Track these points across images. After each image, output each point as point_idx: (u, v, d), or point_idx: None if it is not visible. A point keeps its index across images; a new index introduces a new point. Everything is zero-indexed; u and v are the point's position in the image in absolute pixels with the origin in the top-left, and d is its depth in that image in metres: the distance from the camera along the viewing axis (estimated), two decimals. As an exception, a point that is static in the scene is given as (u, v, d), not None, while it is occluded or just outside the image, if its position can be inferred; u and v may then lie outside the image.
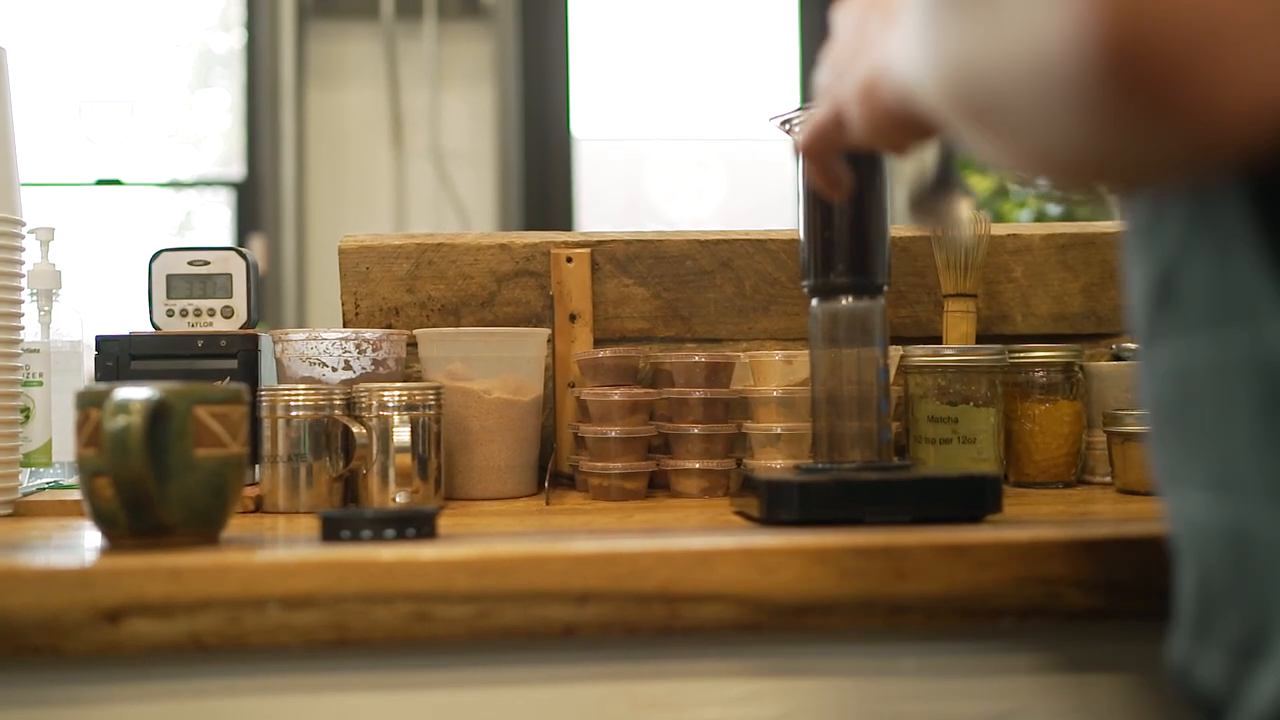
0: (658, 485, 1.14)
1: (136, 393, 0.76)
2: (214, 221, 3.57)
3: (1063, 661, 0.76)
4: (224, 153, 3.57)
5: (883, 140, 0.66)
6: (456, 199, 3.36)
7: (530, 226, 3.25)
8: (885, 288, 0.92)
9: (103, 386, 0.78)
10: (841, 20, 0.70)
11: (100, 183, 3.44)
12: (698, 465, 1.11)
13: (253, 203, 3.39)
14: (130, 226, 3.51)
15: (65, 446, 1.21)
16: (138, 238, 3.48)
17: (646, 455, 1.12)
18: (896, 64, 0.56)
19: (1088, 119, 0.35)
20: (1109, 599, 0.73)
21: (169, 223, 3.60)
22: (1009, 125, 0.40)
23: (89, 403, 0.79)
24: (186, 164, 3.58)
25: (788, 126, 0.96)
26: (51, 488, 1.15)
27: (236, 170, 3.48)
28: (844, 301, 0.91)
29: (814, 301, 0.92)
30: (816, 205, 0.92)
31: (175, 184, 3.55)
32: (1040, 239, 1.24)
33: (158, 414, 0.77)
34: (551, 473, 1.16)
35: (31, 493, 1.09)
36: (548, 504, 1.07)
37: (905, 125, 0.63)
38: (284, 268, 3.25)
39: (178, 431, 0.78)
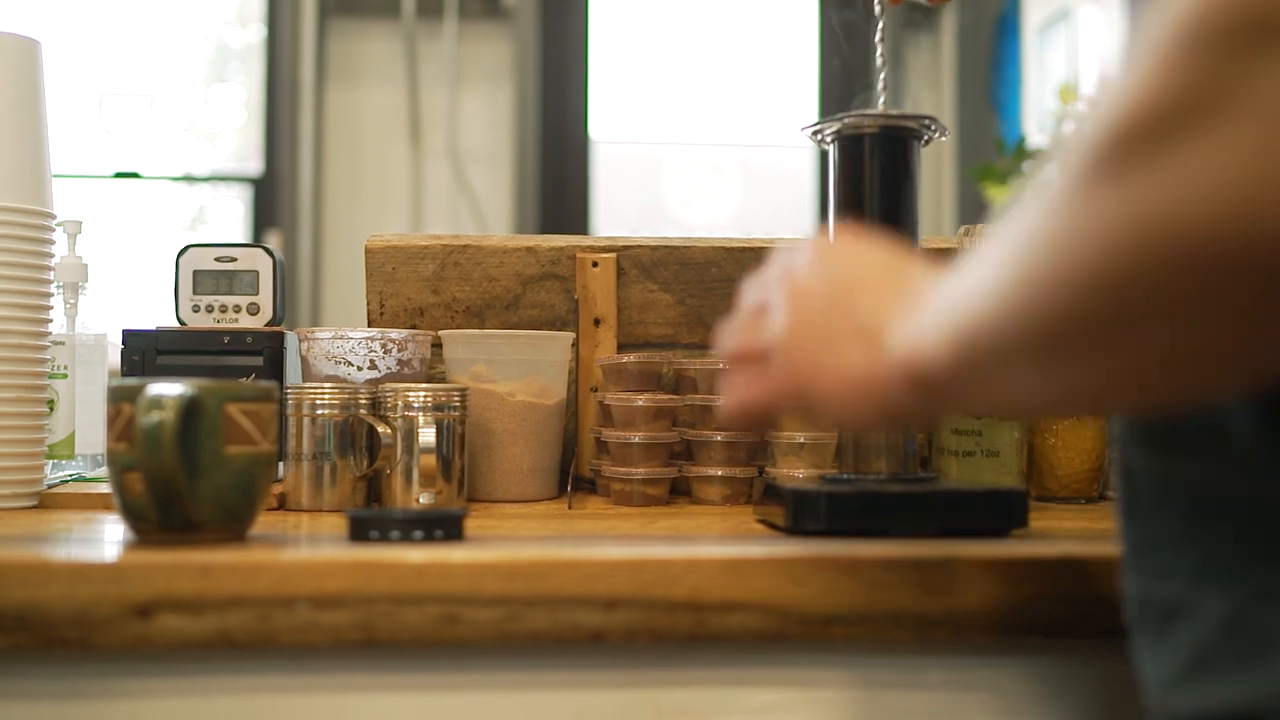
0: (679, 491, 1.14)
1: (170, 389, 0.76)
2: (228, 217, 3.58)
3: (1092, 679, 0.76)
4: (239, 148, 3.58)
5: (846, 423, 0.64)
6: (473, 199, 3.36)
7: (546, 228, 3.26)
8: (915, 300, 0.92)
9: (135, 381, 0.79)
10: (804, 274, 0.63)
11: (118, 176, 3.45)
12: (720, 472, 1.11)
13: (270, 199, 3.40)
14: (146, 220, 3.51)
15: (88, 439, 1.21)
16: (153, 231, 3.49)
17: (669, 461, 1.12)
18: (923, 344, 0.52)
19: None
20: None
21: (184, 218, 3.61)
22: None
23: (122, 397, 0.79)
24: (201, 159, 3.58)
25: (819, 136, 0.96)
26: (75, 480, 1.16)
27: (252, 166, 3.49)
28: (873, 312, 0.91)
29: (843, 312, 0.92)
30: (847, 213, 0.92)
31: (189, 178, 3.55)
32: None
33: (191, 411, 0.77)
34: (573, 477, 1.16)
35: (55, 485, 1.09)
36: (570, 508, 1.07)
37: (876, 419, 0.59)
38: (300, 265, 3.25)
39: (209, 428, 0.78)
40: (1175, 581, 0.53)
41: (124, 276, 3.26)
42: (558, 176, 3.40)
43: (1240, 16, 0.36)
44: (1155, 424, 0.54)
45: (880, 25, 0.95)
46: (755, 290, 0.67)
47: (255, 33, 3.55)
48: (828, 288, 0.61)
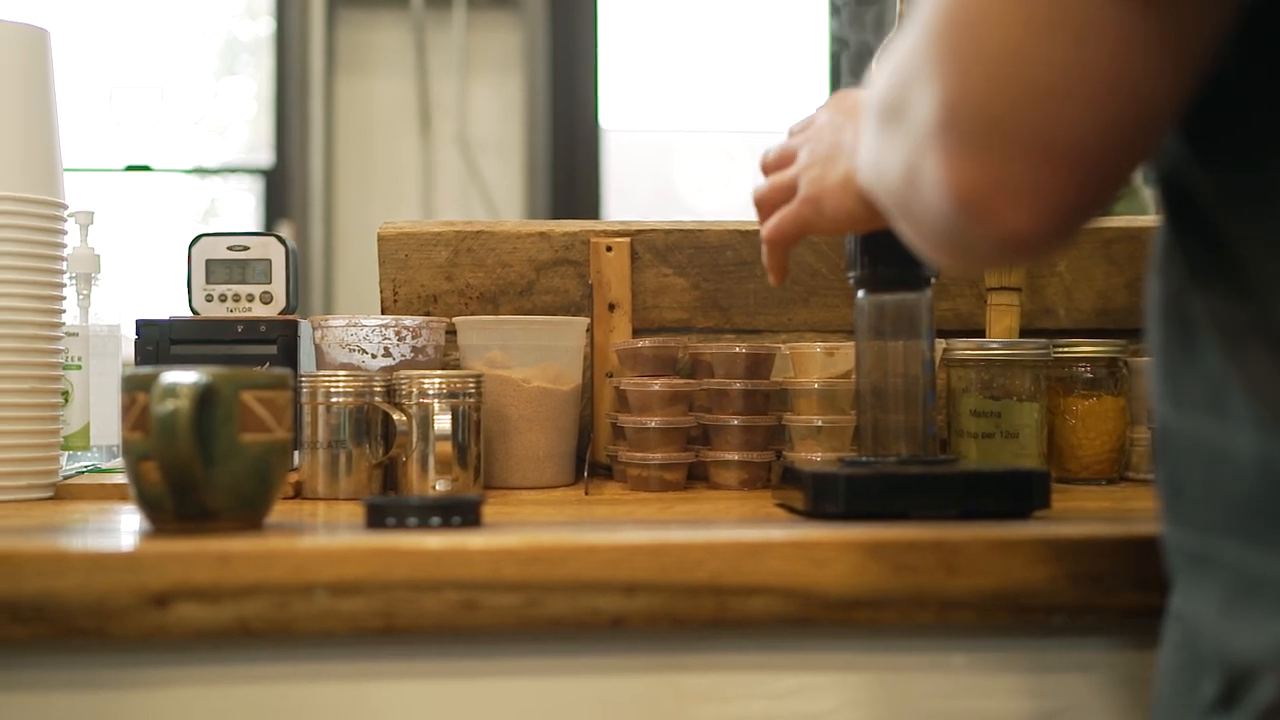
0: (696, 476, 1.13)
1: (184, 377, 0.76)
2: (240, 209, 3.58)
3: (1117, 660, 0.75)
4: (250, 140, 3.58)
5: (852, 227, 0.83)
6: (484, 188, 3.35)
7: (557, 216, 3.24)
8: (933, 280, 0.91)
9: (150, 370, 0.78)
10: (819, 116, 0.85)
11: (130, 169, 3.45)
12: (736, 457, 1.10)
13: (281, 190, 3.40)
14: (158, 213, 3.51)
15: (103, 431, 1.21)
16: (165, 224, 3.49)
17: (685, 446, 1.11)
18: (859, 168, 0.70)
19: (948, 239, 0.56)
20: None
21: (195, 211, 3.61)
22: (913, 229, 0.60)
23: (136, 386, 0.79)
24: (212, 151, 3.58)
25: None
26: (90, 471, 1.15)
27: (263, 158, 3.49)
28: (890, 294, 0.91)
29: (860, 293, 0.92)
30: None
31: (200, 171, 3.55)
32: (1085, 233, 1.22)
33: (205, 398, 0.76)
34: (589, 462, 1.16)
35: (70, 476, 1.09)
36: (586, 494, 1.07)
37: (866, 218, 0.77)
38: (312, 256, 3.25)
39: (224, 416, 0.78)
40: (1203, 532, 0.55)
41: (137, 270, 3.26)
42: (569, 165, 3.39)
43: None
44: (1178, 383, 0.57)
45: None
46: (782, 143, 0.88)
47: (264, 25, 3.54)
48: (832, 129, 0.82)
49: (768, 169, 0.89)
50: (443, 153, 3.38)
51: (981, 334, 1.18)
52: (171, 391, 0.75)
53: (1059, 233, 0.52)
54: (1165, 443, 0.59)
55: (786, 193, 0.85)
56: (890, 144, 0.58)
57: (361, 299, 3.15)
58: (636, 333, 1.22)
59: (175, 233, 3.40)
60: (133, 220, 3.42)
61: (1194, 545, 0.56)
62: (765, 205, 0.88)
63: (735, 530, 0.77)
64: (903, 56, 0.55)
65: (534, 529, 0.79)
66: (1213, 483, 0.54)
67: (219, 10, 3.61)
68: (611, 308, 1.21)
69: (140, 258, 3.31)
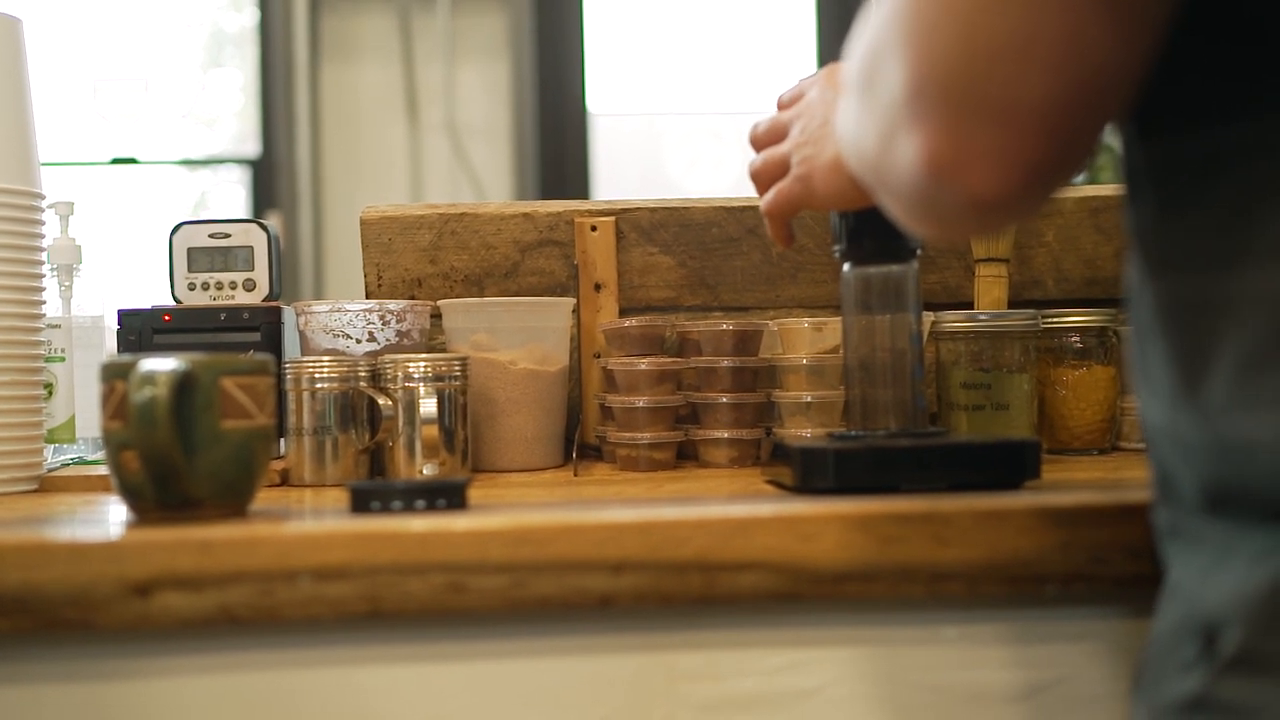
0: (685, 455, 1.12)
1: (163, 364, 0.75)
2: (229, 200, 3.56)
3: (1109, 630, 0.75)
4: (238, 131, 3.56)
5: (844, 205, 0.83)
6: (472, 174, 3.34)
7: (546, 200, 3.23)
8: (918, 252, 0.90)
9: (128, 358, 0.77)
10: (810, 91, 0.85)
11: (116, 161, 3.43)
12: (726, 435, 1.09)
13: (269, 180, 3.38)
14: (147, 205, 3.50)
15: (88, 422, 1.20)
16: (154, 217, 3.47)
17: (674, 425, 1.10)
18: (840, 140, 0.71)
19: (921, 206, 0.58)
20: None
21: (184, 202, 3.59)
22: (891, 199, 0.61)
23: (115, 374, 0.78)
24: (200, 143, 3.57)
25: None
26: (75, 463, 1.15)
27: (251, 148, 3.47)
28: (876, 267, 0.90)
29: (846, 267, 0.91)
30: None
31: (188, 162, 3.54)
32: (1072, 202, 1.22)
33: (184, 385, 0.76)
34: (578, 444, 1.15)
35: (56, 469, 1.08)
36: (575, 475, 1.06)
37: (857, 197, 0.77)
38: (300, 244, 3.24)
39: (204, 403, 0.77)
40: (1189, 513, 0.57)
41: (127, 264, 3.25)
42: (557, 149, 3.38)
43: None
44: (1144, 372, 0.59)
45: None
46: (772, 116, 0.88)
47: (249, 16, 3.52)
48: (823, 106, 0.82)
49: (757, 143, 0.89)
50: (430, 139, 3.36)
51: (970, 306, 1.17)
52: (149, 379, 0.74)
53: (1027, 194, 0.54)
54: (1147, 430, 0.60)
55: (780, 168, 0.86)
56: (865, 116, 0.59)
57: (352, 287, 3.13)
58: (623, 312, 1.21)
59: (164, 225, 3.39)
60: (122, 213, 3.41)
61: (1184, 525, 0.58)
62: (760, 179, 0.88)
63: (723, 506, 0.77)
64: (873, 31, 0.57)
65: (520, 510, 0.78)
66: (1186, 468, 0.56)
67: (203, 2, 3.60)
68: (597, 287, 1.20)
69: (130, 252, 3.30)
